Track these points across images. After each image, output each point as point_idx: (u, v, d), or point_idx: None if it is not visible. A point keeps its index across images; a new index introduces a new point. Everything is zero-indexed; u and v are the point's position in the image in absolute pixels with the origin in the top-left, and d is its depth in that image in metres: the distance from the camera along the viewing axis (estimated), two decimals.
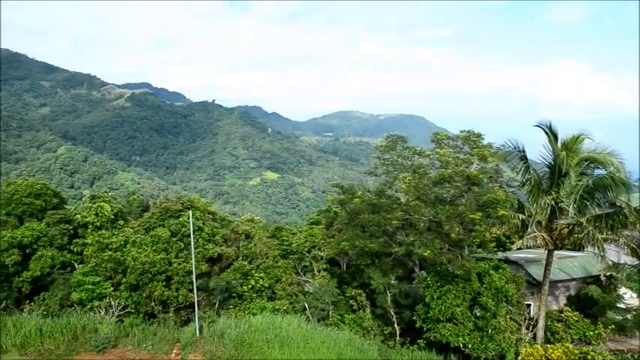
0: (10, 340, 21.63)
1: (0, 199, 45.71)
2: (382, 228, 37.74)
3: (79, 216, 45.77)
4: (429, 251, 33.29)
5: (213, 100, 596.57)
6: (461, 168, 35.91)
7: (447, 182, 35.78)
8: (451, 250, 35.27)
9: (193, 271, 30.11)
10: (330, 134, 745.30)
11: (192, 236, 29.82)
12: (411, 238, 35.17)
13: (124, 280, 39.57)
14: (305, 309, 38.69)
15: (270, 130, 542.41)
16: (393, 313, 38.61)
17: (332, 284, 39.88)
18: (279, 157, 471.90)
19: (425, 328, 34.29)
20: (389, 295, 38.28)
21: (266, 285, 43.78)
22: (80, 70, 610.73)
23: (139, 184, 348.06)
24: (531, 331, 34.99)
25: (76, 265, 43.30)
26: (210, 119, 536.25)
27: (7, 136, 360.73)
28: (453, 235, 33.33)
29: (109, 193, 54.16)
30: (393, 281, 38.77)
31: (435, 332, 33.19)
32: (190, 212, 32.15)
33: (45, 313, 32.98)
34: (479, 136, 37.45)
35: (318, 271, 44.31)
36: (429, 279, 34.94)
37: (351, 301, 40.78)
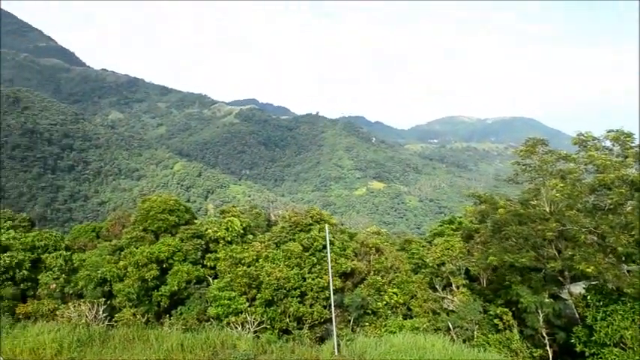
0: (153, 354, 21.42)
1: (137, 215, 47.38)
2: (531, 241, 34.43)
3: (210, 231, 46.23)
4: (592, 267, 29.67)
5: (317, 112, 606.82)
6: (622, 172, 31.91)
7: (608, 189, 31.93)
8: (615, 264, 31.33)
9: (330, 286, 28.79)
10: (435, 141, 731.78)
11: (328, 251, 28.53)
12: (569, 252, 31.65)
13: (259, 295, 39.10)
14: (448, 328, 36.18)
15: (374, 139, 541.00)
16: (544, 335, 35.10)
17: (477, 302, 36.98)
18: (385, 166, 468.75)
19: (587, 353, 30.57)
20: (540, 314, 34.82)
21: (401, 301, 41.68)
22: (192, 90, 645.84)
23: (249, 196, 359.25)
24: None
25: (210, 279, 43.68)
26: (315, 131, 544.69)
27: (130, 155, 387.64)
28: (619, 249, 29.51)
29: (237, 208, 54.70)
30: (546, 299, 35.24)
31: (600, 358, 29.46)
32: (327, 227, 30.90)
33: (184, 327, 33.10)
34: (629, 135, 33.24)
35: (457, 287, 41.45)
36: (589, 297, 31.19)
37: (495, 320, 37.66)
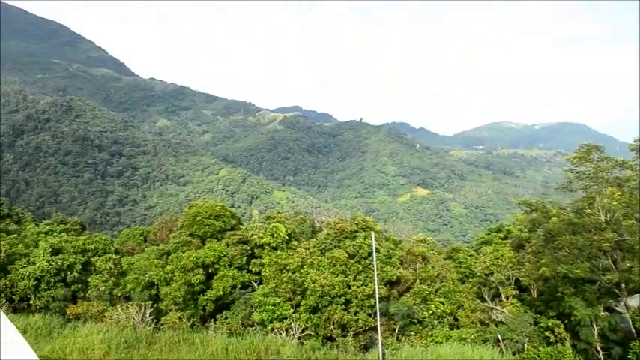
0: (199, 357, 21.53)
1: (184, 220, 48.05)
2: (586, 251, 33.12)
3: (255, 237, 46.40)
4: None
5: (361, 119, 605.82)
6: None
7: None
8: None
9: (376, 294, 28.28)
10: (480, 147, 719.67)
11: (374, 258, 28.17)
12: (626, 264, 30.32)
13: (303, 302, 38.98)
14: (497, 340, 35.14)
15: (418, 145, 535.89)
16: (599, 349, 33.69)
17: (528, 314, 35.82)
18: (429, 172, 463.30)
19: None
20: (595, 327, 33.45)
21: (447, 311, 40.85)
22: (237, 97, 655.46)
23: (292, 202, 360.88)
24: None
25: (254, 285, 43.83)
26: (359, 138, 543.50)
27: (177, 162, 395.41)
28: None
29: (282, 214, 54.82)
30: (601, 312, 33.83)
31: None
32: (373, 234, 30.57)
33: (229, 332, 33.22)
34: None
35: (507, 298, 40.29)
36: None
37: (546, 333, 36.37)
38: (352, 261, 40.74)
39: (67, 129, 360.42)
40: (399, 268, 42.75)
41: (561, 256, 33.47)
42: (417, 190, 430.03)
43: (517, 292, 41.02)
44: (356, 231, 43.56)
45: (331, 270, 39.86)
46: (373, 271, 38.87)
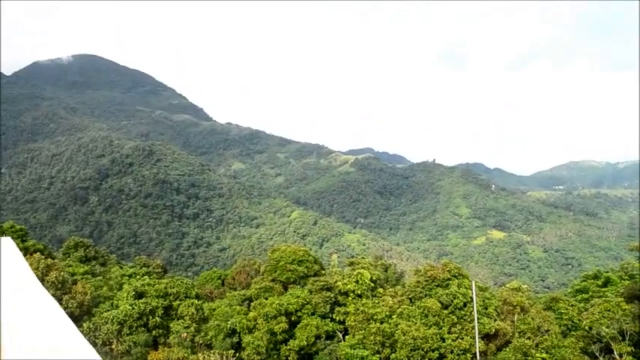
0: None
1: (266, 265, 46.93)
2: None
3: (339, 283, 44.57)
4: None
5: (434, 160, 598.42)
6: None
7: None
8: None
9: (477, 350, 25.60)
10: (560, 187, 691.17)
11: (475, 310, 25.71)
12: None
13: (393, 355, 36.41)
14: None
15: (493, 186, 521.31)
16: None
17: None
18: (505, 214, 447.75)
19: None
20: None
21: None
22: (310, 140, 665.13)
23: (364, 244, 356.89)
24: None
25: (339, 335, 41.72)
26: (431, 179, 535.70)
27: (250, 204, 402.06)
28: None
29: (366, 260, 52.76)
30: None
31: None
32: (473, 283, 28.06)
33: None
34: None
35: (620, 355, 36.07)
36: None
37: None
38: (446, 311, 37.95)
39: (148, 172, 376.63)
40: (495, 320, 39.40)
41: None
42: (492, 232, 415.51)
43: (632, 348, 36.69)
44: (448, 279, 40.73)
45: (423, 321, 37.21)
46: (472, 323, 35.93)
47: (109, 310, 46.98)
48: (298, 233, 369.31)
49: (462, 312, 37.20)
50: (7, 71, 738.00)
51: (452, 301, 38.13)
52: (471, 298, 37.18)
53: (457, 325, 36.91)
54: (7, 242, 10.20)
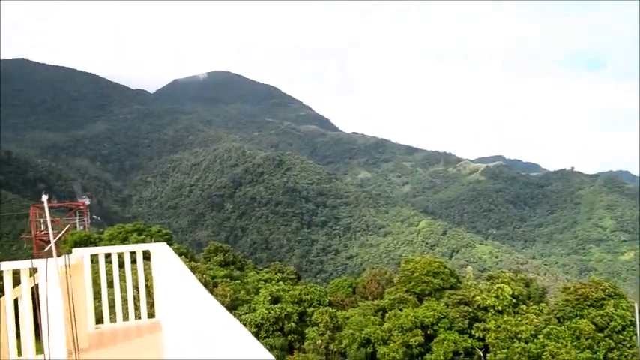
0: None
1: (400, 275, 46.07)
2: None
3: (478, 298, 42.48)
4: None
5: (572, 168, 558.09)
6: None
7: None
8: None
9: None
10: None
11: (639, 336, 22.74)
12: None
13: None
14: None
15: None
16: None
17: None
18: None
19: None
20: None
21: None
22: (437, 148, 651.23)
23: (496, 257, 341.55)
24: None
25: (479, 352, 39.69)
26: (570, 188, 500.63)
27: (377, 212, 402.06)
28: None
29: (507, 273, 50.01)
30: None
31: None
32: (636, 306, 25.10)
33: None
34: None
35: None
36: None
37: None
38: (601, 335, 34.53)
39: (278, 181, 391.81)
40: None
41: None
42: None
43: None
44: (602, 298, 37.13)
45: (574, 343, 34.15)
46: (633, 349, 32.36)
47: (247, 313, 48.54)
48: (427, 243, 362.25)
49: (621, 336, 33.65)
50: (151, 89, 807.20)
51: (608, 324, 34.63)
52: (631, 321, 33.62)
53: (615, 351, 33.37)
54: (164, 247, 10.52)
